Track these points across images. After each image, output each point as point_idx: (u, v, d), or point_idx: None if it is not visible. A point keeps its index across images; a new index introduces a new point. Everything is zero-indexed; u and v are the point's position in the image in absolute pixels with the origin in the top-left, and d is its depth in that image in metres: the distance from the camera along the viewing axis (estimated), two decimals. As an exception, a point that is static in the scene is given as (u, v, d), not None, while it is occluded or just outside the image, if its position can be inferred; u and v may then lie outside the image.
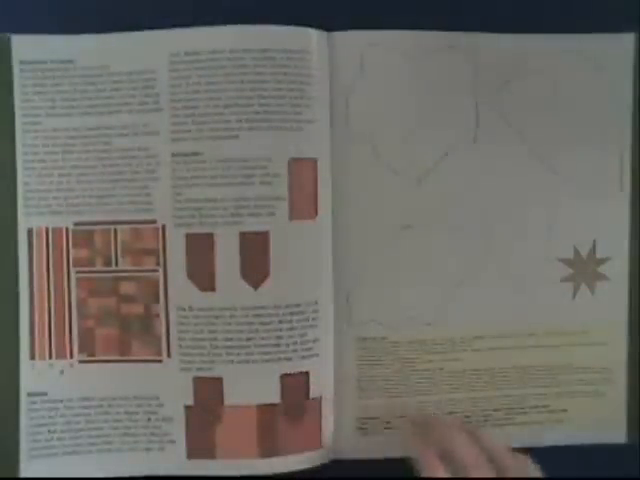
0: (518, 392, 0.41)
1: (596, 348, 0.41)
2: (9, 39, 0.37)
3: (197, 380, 0.38)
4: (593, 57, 0.40)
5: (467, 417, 0.41)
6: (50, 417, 0.38)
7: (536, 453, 0.40)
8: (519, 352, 0.41)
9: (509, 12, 0.40)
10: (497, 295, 0.40)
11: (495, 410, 0.41)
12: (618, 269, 0.41)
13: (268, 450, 0.38)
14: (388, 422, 0.40)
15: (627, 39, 0.40)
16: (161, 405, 0.38)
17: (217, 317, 0.38)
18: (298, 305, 0.38)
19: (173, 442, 0.39)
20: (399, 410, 0.40)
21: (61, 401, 0.38)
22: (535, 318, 0.41)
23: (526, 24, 0.39)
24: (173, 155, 0.38)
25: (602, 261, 0.41)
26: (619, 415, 0.42)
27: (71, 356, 0.38)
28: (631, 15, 0.40)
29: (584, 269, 0.41)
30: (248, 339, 0.38)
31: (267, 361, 0.38)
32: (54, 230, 0.38)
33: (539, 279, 0.40)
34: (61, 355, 0.38)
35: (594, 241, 0.41)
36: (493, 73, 0.40)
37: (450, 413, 0.41)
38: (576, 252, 0.41)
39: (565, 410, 0.41)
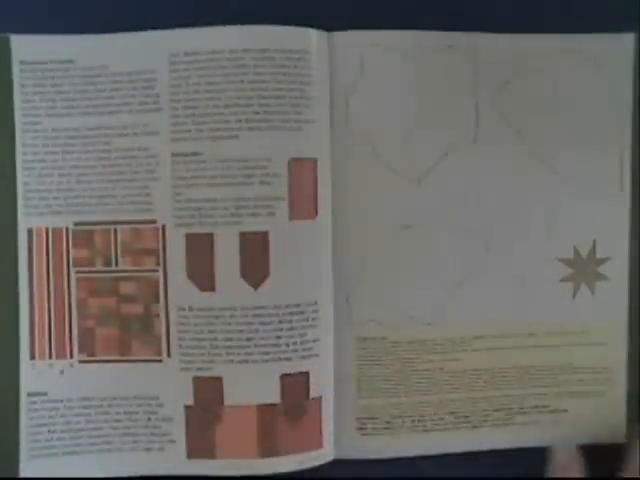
0: (518, 392, 0.41)
1: (596, 348, 0.41)
2: (9, 39, 0.37)
3: (197, 380, 0.38)
4: (593, 57, 0.40)
5: (467, 417, 0.41)
6: (50, 417, 0.38)
7: (536, 453, 0.40)
8: (519, 352, 0.41)
9: (509, 12, 0.40)
10: (497, 295, 0.40)
11: (495, 410, 0.41)
12: (618, 269, 0.41)
13: (268, 450, 0.38)
14: (388, 422, 0.40)
15: (627, 39, 0.40)
16: (161, 405, 0.38)
17: (217, 317, 0.38)
18: (298, 305, 0.38)
19: (173, 442, 0.39)
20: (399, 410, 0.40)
21: (61, 401, 0.38)
22: (535, 318, 0.41)
23: (526, 24, 0.39)
24: (173, 155, 0.38)
25: (602, 261, 0.41)
26: (619, 415, 0.42)
27: (71, 356, 0.38)
28: (631, 15, 0.40)
29: (584, 269, 0.41)
30: (248, 339, 0.38)
31: (267, 361, 0.38)
32: (54, 230, 0.38)
33: (539, 279, 0.40)
34: (61, 355, 0.38)
35: (594, 241, 0.41)
36: (493, 73, 0.40)
37: (450, 413, 0.41)
38: (576, 252, 0.41)
39: (565, 410, 0.41)
